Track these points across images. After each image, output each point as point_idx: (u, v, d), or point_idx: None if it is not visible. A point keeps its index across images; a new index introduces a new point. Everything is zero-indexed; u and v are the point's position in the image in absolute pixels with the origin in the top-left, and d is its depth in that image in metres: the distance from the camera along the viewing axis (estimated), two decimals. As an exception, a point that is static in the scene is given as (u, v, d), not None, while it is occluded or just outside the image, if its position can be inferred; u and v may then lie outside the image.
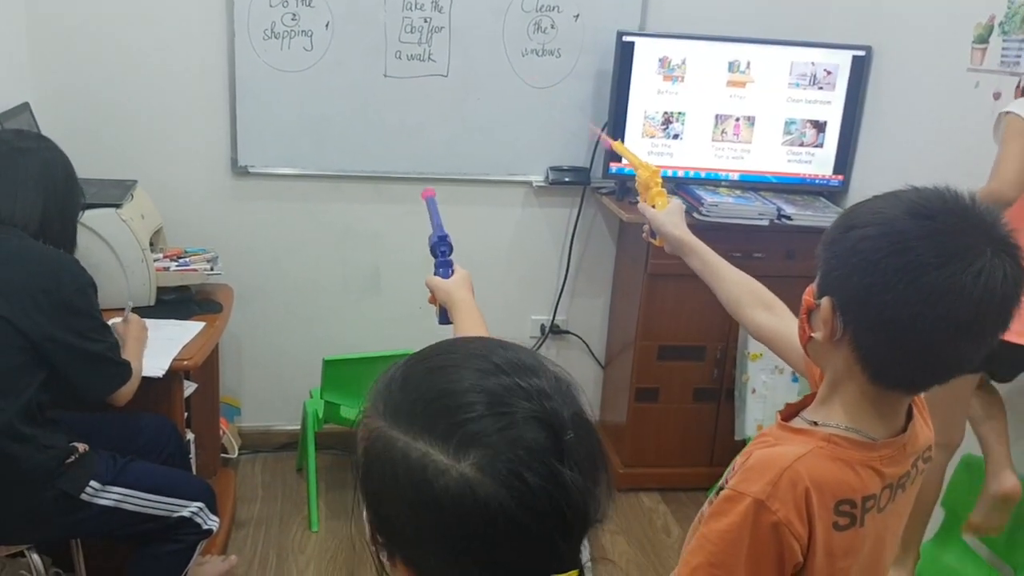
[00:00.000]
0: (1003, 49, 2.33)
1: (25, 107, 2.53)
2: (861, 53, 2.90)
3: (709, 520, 1.03)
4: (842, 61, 2.92)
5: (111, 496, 1.89)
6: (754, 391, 2.94)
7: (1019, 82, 2.21)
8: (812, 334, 1.05)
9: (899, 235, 0.96)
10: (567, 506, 0.70)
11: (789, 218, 2.84)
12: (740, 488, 1.01)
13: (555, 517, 0.69)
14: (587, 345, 3.32)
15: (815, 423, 1.06)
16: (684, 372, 3.02)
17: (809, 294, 1.07)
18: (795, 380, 2.94)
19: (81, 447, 1.89)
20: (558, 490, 0.69)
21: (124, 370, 1.94)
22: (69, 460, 1.84)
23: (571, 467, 0.70)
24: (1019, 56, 2.27)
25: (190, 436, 2.48)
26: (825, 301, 1.02)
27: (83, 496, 1.85)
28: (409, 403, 0.74)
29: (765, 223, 2.83)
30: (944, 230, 0.95)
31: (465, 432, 0.69)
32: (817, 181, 3.04)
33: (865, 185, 2.97)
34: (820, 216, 2.86)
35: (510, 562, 0.70)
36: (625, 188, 3.05)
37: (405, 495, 0.71)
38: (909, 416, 1.09)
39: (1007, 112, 2.06)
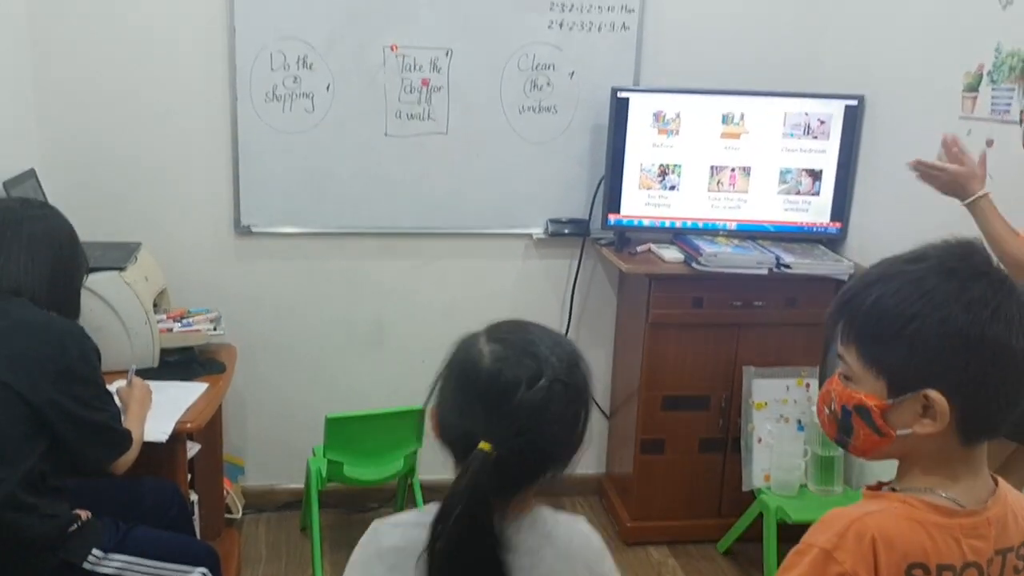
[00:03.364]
0: (993, 98, 2.36)
1: (31, 173, 2.57)
2: (853, 103, 2.94)
3: (780, 574, 1.05)
4: (835, 111, 2.96)
5: (114, 564, 1.87)
6: (760, 440, 2.92)
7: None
8: (899, 432, 1.03)
9: (971, 304, 0.99)
10: (517, 404, 1.06)
11: (788, 267, 2.86)
12: (809, 540, 1.02)
13: (505, 404, 1.06)
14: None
15: (894, 488, 1.06)
16: (689, 422, 3.01)
17: (872, 399, 1.04)
18: (800, 429, 2.93)
19: (83, 514, 1.88)
20: (510, 392, 1.07)
21: (124, 439, 1.94)
22: (71, 528, 1.83)
23: (534, 402, 1.07)
24: (1009, 104, 2.30)
25: (194, 497, 2.47)
26: (936, 395, 1.00)
27: (85, 565, 1.83)
28: (503, 328, 1.16)
29: (764, 272, 2.85)
30: (971, 282, 1.01)
31: (505, 342, 1.12)
32: (815, 229, 3.06)
33: (863, 232, 2.99)
34: (819, 264, 2.88)
35: (469, 414, 1.09)
36: (624, 239, 3.08)
37: (454, 363, 1.14)
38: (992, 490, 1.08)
39: None
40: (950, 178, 2.03)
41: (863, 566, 0.98)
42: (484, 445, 1.05)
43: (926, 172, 2.08)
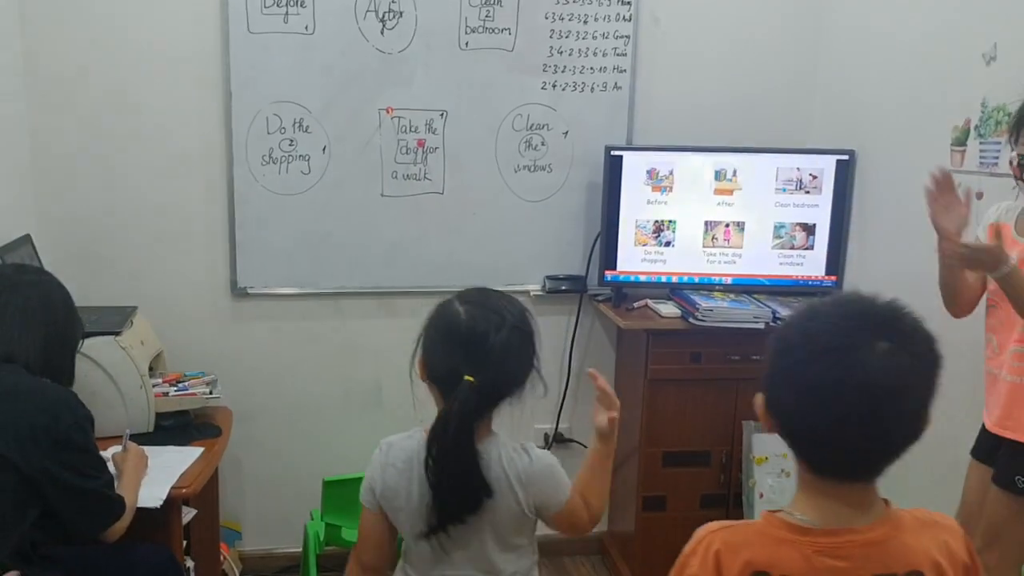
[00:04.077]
0: (981, 151, 2.39)
1: (27, 239, 2.58)
2: (845, 157, 2.98)
3: None
4: (827, 165, 2.99)
5: (107, 635, 1.83)
6: (761, 495, 2.89)
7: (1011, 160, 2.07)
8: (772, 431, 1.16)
9: (785, 339, 1.09)
10: (489, 346, 1.48)
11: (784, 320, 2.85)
12: (683, 549, 1.17)
13: (481, 346, 1.48)
14: (591, 454, 3.28)
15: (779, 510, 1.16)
16: (691, 478, 2.98)
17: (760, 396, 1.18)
18: (803, 484, 2.89)
19: (76, 584, 1.85)
20: (484, 337, 1.48)
21: (117, 507, 1.92)
22: (63, 599, 1.80)
23: (500, 344, 1.48)
24: (997, 158, 2.33)
25: (189, 564, 2.43)
26: (758, 398, 1.14)
27: (78, 636, 1.80)
28: (472, 294, 1.56)
29: (761, 326, 2.85)
30: (824, 329, 1.05)
31: (473, 303, 1.53)
32: (811, 283, 3.07)
33: (859, 284, 3.00)
34: (816, 317, 2.88)
35: (453, 355, 1.49)
36: (621, 294, 3.08)
37: (436, 322, 1.54)
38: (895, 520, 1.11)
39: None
40: (984, 253, 1.92)
41: (707, 571, 1.11)
42: (468, 378, 1.46)
43: (960, 253, 1.94)
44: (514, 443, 1.58)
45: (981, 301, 2.15)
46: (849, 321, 1.04)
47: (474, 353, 1.47)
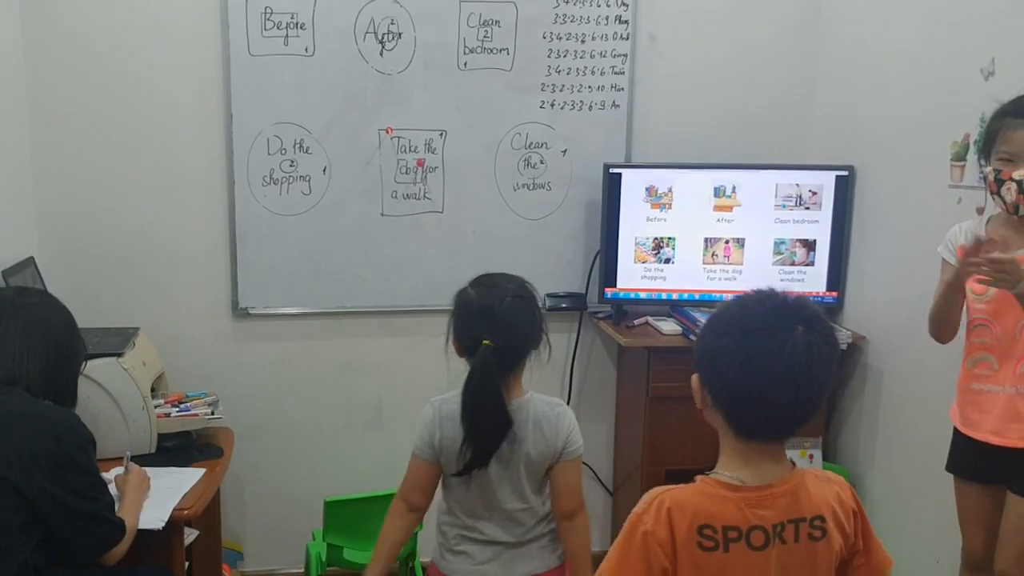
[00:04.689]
0: (980, 166, 2.39)
1: (30, 261, 2.59)
2: (844, 173, 2.99)
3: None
4: (826, 181, 3.00)
5: (108, 659, 1.82)
6: (766, 513, 2.88)
7: (985, 175, 2.09)
8: (704, 409, 1.37)
9: (725, 322, 1.33)
10: (496, 313, 1.85)
11: (786, 336, 2.85)
12: (633, 510, 1.35)
13: (490, 315, 1.85)
14: (594, 472, 3.27)
15: (708, 473, 1.36)
16: (693, 496, 2.96)
17: (696, 378, 1.38)
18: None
19: (77, 608, 1.84)
20: (491, 308, 1.86)
21: (117, 530, 1.91)
22: (65, 623, 1.79)
23: (505, 310, 1.85)
24: (995, 173, 2.32)
25: (191, 586, 2.42)
26: (694, 378, 1.36)
27: (78, 660, 1.79)
28: (479, 278, 1.95)
29: (763, 342, 2.84)
30: (755, 314, 1.30)
31: (481, 284, 1.93)
32: (812, 299, 3.04)
33: (860, 300, 3.00)
34: (817, 333, 2.87)
35: (473, 328, 1.86)
36: (621, 312, 3.08)
37: (457, 307, 1.91)
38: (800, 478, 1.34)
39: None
40: (1011, 265, 1.88)
41: (660, 526, 1.30)
42: (486, 342, 1.82)
43: (992, 264, 1.90)
44: (548, 398, 1.95)
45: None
46: (772, 310, 1.30)
47: (488, 322, 1.84)
